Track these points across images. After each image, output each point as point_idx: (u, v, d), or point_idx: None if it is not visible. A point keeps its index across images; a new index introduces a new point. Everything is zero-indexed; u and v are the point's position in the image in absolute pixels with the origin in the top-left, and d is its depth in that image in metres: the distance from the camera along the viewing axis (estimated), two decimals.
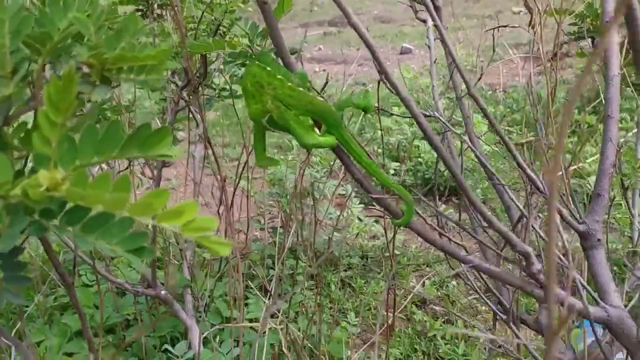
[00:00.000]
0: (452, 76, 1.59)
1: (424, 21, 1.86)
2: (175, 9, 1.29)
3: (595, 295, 0.94)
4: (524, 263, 0.92)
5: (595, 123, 4.17)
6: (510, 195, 0.99)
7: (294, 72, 0.85)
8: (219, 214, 1.73)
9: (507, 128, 4.61)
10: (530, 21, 1.15)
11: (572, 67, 5.72)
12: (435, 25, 0.98)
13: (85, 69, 0.59)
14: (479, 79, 1.33)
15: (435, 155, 3.83)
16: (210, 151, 1.74)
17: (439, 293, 2.75)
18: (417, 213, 1.07)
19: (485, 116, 0.98)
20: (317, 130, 0.89)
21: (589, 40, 1.58)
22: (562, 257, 0.96)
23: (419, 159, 3.93)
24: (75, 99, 0.48)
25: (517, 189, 3.22)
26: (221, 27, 1.81)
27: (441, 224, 1.51)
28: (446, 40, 1.00)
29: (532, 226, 0.99)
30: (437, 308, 2.67)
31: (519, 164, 0.96)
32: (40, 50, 0.53)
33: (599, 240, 1.00)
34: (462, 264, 0.92)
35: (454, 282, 2.80)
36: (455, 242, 1.18)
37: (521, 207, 0.98)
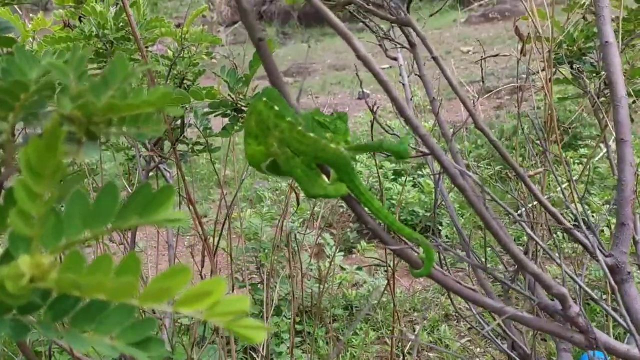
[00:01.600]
0: (438, 116, 1.53)
1: (395, 59, 1.82)
2: (146, 62, 1.20)
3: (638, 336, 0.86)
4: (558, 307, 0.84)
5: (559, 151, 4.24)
6: (527, 230, 0.91)
7: (301, 115, 0.76)
8: (201, 276, 1.60)
9: (473, 163, 4.63)
10: (522, 49, 1.11)
11: (527, 101, 5.86)
12: (434, 58, 0.92)
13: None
14: (465, 120, 1.27)
15: (409, 196, 3.77)
16: (192, 208, 1.63)
17: (431, 338, 2.64)
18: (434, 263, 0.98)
19: (495, 148, 0.91)
20: (324, 177, 0.80)
21: (567, 65, 1.56)
22: (592, 294, 0.88)
23: (392, 201, 3.88)
24: (61, 161, 0.38)
25: (504, 220, 3.17)
26: (185, 81, 1.73)
27: (441, 265, 1.43)
28: (424, 77, 0.94)
29: (555, 261, 0.91)
30: (430, 355, 2.55)
31: (537, 198, 0.88)
32: (11, 105, 0.43)
33: (629, 273, 0.92)
34: (492, 314, 0.83)
35: (444, 326, 2.69)
36: (470, 288, 1.09)
37: (543, 245, 0.90)
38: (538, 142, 1.38)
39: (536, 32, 1.21)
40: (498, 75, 7.09)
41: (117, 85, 0.48)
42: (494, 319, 1.46)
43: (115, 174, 2.26)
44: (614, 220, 1.15)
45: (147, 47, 1.72)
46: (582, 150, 4.13)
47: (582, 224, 0.87)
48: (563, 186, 1.35)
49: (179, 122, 1.60)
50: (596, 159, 3.56)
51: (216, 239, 2.00)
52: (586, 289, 0.82)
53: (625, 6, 1.46)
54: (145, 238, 4.06)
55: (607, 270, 0.82)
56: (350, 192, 0.81)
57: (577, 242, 0.88)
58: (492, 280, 1.74)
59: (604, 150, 3.61)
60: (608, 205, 2.81)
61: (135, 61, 1.40)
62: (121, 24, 1.41)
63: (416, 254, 0.84)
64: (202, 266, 1.39)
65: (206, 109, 1.13)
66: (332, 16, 0.70)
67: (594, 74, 1.47)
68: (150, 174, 2.03)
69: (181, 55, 1.70)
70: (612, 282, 0.82)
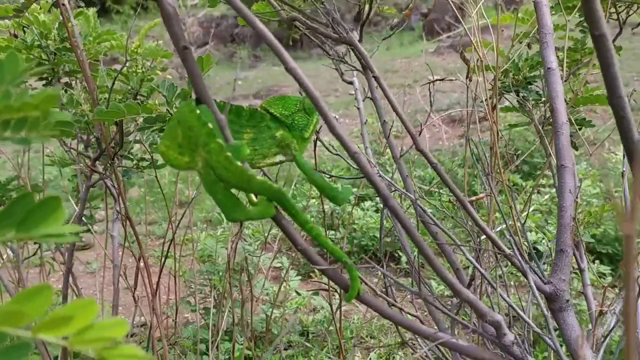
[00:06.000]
0: (388, 139, 1.52)
1: (351, 82, 1.82)
2: (86, 75, 1.16)
3: None
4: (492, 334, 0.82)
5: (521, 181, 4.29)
6: (468, 257, 0.89)
7: (233, 145, 0.72)
8: (134, 299, 1.53)
9: (437, 190, 4.64)
10: (467, 74, 1.11)
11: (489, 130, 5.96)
12: (375, 78, 0.90)
13: None
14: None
15: (370, 221, 3.76)
16: (131, 229, 1.57)
17: None
18: (369, 285, 0.96)
19: (436, 172, 0.89)
20: (252, 196, 0.77)
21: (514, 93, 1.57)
22: (531, 323, 0.86)
23: (354, 226, 3.86)
24: None
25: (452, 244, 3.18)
26: (139, 96, 1.69)
27: (386, 291, 1.40)
28: (390, 96, 0.92)
29: (492, 288, 0.89)
30: None
31: (478, 225, 0.87)
32: None
33: (567, 301, 0.91)
34: (422, 340, 0.80)
35: (401, 353, 2.66)
36: (410, 314, 1.06)
37: (483, 271, 0.88)
38: (486, 169, 1.38)
39: (480, 61, 1.22)
40: (463, 105, 7.21)
41: (4, 86, 0.45)
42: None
43: (63, 190, 2.18)
44: None
45: (97, 60, 1.68)
46: (541, 181, 4.19)
47: (517, 251, 0.86)
48: (508, 213, 1.34)
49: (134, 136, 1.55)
50: (554, 190, 3.61)
51: (169, 260, 1.94)
52: (522, 315, 0.80)
53: (571, 36, 1.48)
54: (101, 258, 3.93)
55: (539, 299, 0.80)
56: (285, 211, 0.78)
57: (519, 270, 0.86)
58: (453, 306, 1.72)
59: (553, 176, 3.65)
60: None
61: (78, 73, 1.35)
62: (66, 35, 1.36)
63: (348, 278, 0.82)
64: (135, 288, 1.33)
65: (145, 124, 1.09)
66: (265, 31, 0.67)
67: (540, 102, 1.49)
68: (99, 190, 1.96)
69: (134, 70, 1.66)
70: (545, 311, 0.81)
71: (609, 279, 2.91)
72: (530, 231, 3.13)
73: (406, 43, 12.37)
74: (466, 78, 1.14)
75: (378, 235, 3.76)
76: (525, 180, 4.35)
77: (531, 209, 3.49)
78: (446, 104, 7.59)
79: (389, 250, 3.54)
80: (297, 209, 0.77)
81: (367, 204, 4.10)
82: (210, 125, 0.70)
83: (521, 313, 0.83)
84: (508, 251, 0.89)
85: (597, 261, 3.15)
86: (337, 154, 1.04)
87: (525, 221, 0.99)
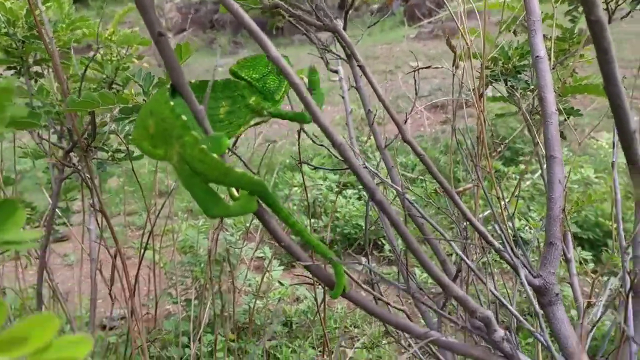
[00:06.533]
0: (372, 127, 1.48)
1: (335, 71, 1.78)
2: (55, 64, 1.10)
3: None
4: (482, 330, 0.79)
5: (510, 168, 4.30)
6: (457, 251, 0.87)
7: (213, 137, 0.68)
8: (111, 297, 1.48)
9: (420, 177, 4.65)
10: (454, 62, 1.08)
11: (473, 117, 5.97)
12: (360, 67, 0.87)
13: None
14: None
15: (353, 209, 3.74)
16: (104, 219, 1.52)
17: (371, 356, 2.59)
18: (354, 280, 0.93)
19: (423, 163, 0.86)
20: (234, 190, 0.73)
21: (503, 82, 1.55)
22: (521, 318, 0.84)
23: (336, 214, 3.83)
24: None
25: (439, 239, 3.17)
26: (115, 85, 1.63)
27: (372, 285, 1.37)
28: (375, 86, 0.89)
29: (483, 283, 0.87)
30: None
31: (466, 216, 0.84)
32: None
33: (557, 294, 0.89)
34: (410, 337, 0.78)
35: (384, 342, 2.65)
36: (396, 308, 1.03)
37: (473, 266, 0.85)
38: (474, 156, 1.36)
39: (468, 48, 1.19)
40: (445, 91, 7.21)
41: None
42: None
43: (37, 183, 2.12)
44: None
45: (69, 48, 1.61)
46: (522, 167, 4.21)
47: (507, 245, 0.83)
48: (496, 203, 1.32)
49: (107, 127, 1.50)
50: (536, 175, 3.63)
51: (148, 252, 1.89)
52: (514, 312, 0.78)
53: (560, 25, 1.46)
54: (79, 251, 3.86)
55: (531, 295, 0.78)
56: (268, 208, 0.75)
57: (508, 264, 0.84)
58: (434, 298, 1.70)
59: (540, 165, 3.67)
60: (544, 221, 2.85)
61: (47, 61, 1.29)
62: (34, 21, 1.30)
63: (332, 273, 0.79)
64: (112, 284, 1.29)
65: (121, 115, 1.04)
66: (246, 18, 0.63)
67: (528, 91, 1.47)
68: (76, 182, 1.90)
69: (108, 58, 1.60)
70: (537, 308, 0.79)
71: (591, 265, 2.93)
72: (508, 216, 3.13)
73: (387, 29, 12.31)
74: (452, 65, 1.11)
75: (361, 224, 3.74)
76: (507, 166, 4.36)
77: (513, 194, 3.49)
78: (428, 90, 7.57)
79: (373, 238, 3.53)
80: (279, 203, 0.74)
81: (350, 192, 4.08)
82: (184, 117, 0.66)
83: (511, 308, 0.81)
84: (498, 245, 0.87)
85: (578, 247, 3.17)
86: (321, 145, 1.00)
87: (514, 214, 0.97)
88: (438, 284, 0.73)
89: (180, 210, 4.29)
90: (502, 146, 1.30)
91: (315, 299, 1.62)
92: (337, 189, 4.08)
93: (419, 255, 0.70)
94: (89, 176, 1.71)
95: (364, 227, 3.65)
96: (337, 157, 1.34)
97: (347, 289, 0.78)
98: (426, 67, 1.15)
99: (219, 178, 0.68)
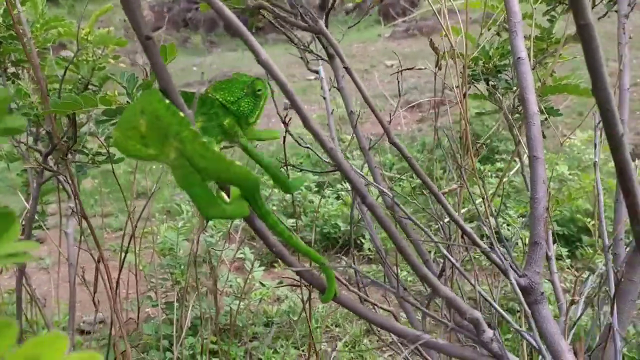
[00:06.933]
0: (356, 129, 1.49)
1: (316, 72, 1.77)
2: (34, 65, 1.08)
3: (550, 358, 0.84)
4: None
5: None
6: (444, 251, 0.88)
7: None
8: (94, 304, 1.46)
9: (397, 175, 4.67)
10: (437, 63, 1.08)
11: (451, 115, 6.02)
12: (346, 69, 0.87)
13: None
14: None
15: (331, 209, 3.74)
16: (86, 223, 1.50)
17: (352, 354, 2.59)
18: (343, 283, 0.93)
19: (410, 165, 0.87)
20: (223, 194, 0.72)
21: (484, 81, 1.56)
22: (508, 317, 0.86)
23: (315, 214, 3.83)
24: None
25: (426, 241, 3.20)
26: (90, 86, 1.60)
27: (357, 285, 1.38)
28: (358, 82, 0.89)
29: (470, 283, 0.88)
30: None
31: (453, 218, 0.85)
32: None
33: (542, 293, 0.90)
34: (400, 340, 0.78)
35: (366, 341, 2.66)
36: (383, 309, 1.04)
37: (458, 265, 0.86)
38: (458, 155, 1.37)
39: (452, 48, 1.20)
40: (421, 90, 7.26)
41: None
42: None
43: (12, 185, 2.07)
44: (528, 234, 1.15)
45: (45, 48, 1.58)
46: (498, 164, 4.26)
47: (495, 244, 0.84)
48: (478, 202, 1.34)
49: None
50: (511, 172, 3.67)
51: (127, 254, 1.87)
52: (501, 312, 0.79)
53: (539, 25, 1.48)
54: (54, 253, 3.79)
55: (519, 294, 0.79)
56: (255, 213, 0.74)
57: (494, 263, 0.85)
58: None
59: (518, 164, 3.72)
60: (522, 219, 2.89)
61: (25, 62, 1.26)
62: (12, 21, 1.27)
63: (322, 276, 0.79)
64: (95, 291, 1.27)
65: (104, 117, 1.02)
66: (235, 20, 0.63)
67: (509, 90, 1.48)
68: (52, 185, 1.86)
69: (85, 59, 1.57)
70: (527, 307, 0.80)
71: (568, 261, 2.98)
72: (492, 216, 3.17)
73: (362, 28, 12.34)
74: (435, 66, 1.12)
75: (339, 223, 3.75)
76: (484, 164, 4.41)
77: (490, 192, 3.54)
78: (404, 88, 7.61)
79: (352, 237, 3.54)
80: (267, 208, 0.73)
81: (328, 191, 4.08)
82: (181, 113, 0.66)
83: (500, 310, 0.82)
84: (485, 246, 0.88)
85: (555, 244, 3.23)
86: (307, 147, 1.00)
87: (498, 213, 0.98)
88: (428, 285, 0.74)
89: (158, 212, 4.24)
90: (484, 146, 1.31)
91: (302, 300, 1.62)
92: (315, 189, 4.09)
93: (409, 258, 0.70)
94: (68, 180, 1.68)
95: (348, 229, 3.66)
96: (319, 158, 1.34)
97: (337, 294, 0.78)
98: (409, 69, 1.16)
99: (220, 173, 0.67)
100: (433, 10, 1.15)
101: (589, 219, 2.78)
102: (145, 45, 0.62)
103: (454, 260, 0.87)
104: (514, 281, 0.81)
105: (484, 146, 1.29)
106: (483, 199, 1.06)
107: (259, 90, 0.77)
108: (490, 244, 0.88)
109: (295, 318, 2.70)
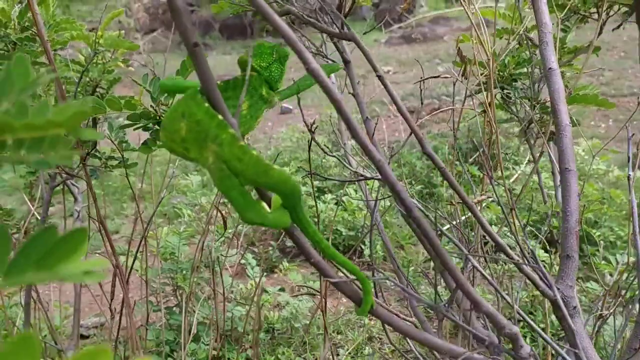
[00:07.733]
0: (372, 138, 1.48)
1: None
2: (54, 67, 1.06)
3: None
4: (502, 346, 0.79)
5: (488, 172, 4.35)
6: (479, 269, 0.86)
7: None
8: (110, 310, 1.44)
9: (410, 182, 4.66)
10: (464, 72, 1.08)
11: (445, 122, 6.03)
12: (379, 77, 0.86)
13: None
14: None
15: (332, 215, 3.72)
16: (102, 228, 1.47)
17: None
18: (381, 305, 0.91)
19: (443, 176, 0.85)
20: (265, 205, 0.70)
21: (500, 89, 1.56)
22: (545, 335, 0.84)
23: (314, 219, 3.81)
24: None
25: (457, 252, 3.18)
26: (99, 89, 1.58)
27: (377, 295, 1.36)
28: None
29: (504, 299, 0.87)
30: None
31: (487, 232, 0.84)
32: None
33: (574, 307, 0.89)
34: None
35: (368, 348, 2.64)
36: (408, 321, 1.03)
37: (490, 278, 0.85)
38: (488, 166, 1.35)
39: (474, 57, 1.19)
40: (418, 96, 7.28)
41: (15, 96, 0.37)
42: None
43: (13, 186, 2.04)
44: (533, 243, 1.13)
45: (55, 50, 1.56)
46: (498, 173, 4.27)
47: (539, 270, 0.83)
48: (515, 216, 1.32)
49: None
50: (512, 180, 3.68)
51: (130, 259, 1.84)
52: (542, 333, 0.77)
53: (554, 35, 1.48)
54: None
55: (564, 309, 0.78)
56: (296, 225, 0.72)
57: (527, 277, 0.84)
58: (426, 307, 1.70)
59: (518, 172, 3.71)
60: (528, 228, 2.88)
61: (40, 65, 1.24)
62: (27, 23, 1.25)
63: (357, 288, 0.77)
64: (112, 298, 1.24)
65: (125, 122, 1.00)
66: (283, 26, 0.61)
67: (526, 99, 1.48)
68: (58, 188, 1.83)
69: (94, 61, 1.55)
70: (572, 324, 0.78)
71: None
72: (491, 224, 3.17)
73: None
74: (461, 75, 1.11)
75: (340, 229, 3.73)
76: (483, 172, 4.41)
77: (490, 200, 3.54)
78: (401, 95, 7.64)
79: (354, 245, 3.53)
80: (307, 217, 0.72)
81: (328, 197, 4.06)
82: (220, 117, 0.65)
83: (541, 332, 0.80)
84: (517, 258, 0.87)
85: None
86: (333, 155, 0.99)
87: (526, 226, 0.97)
88: (470, 300, 0.72)
89: (155, 215, 4.20)
90: (499, 154, 1.31)
91: (321, 309, 1.60)
92: (316, 194, 4.06)
93: (455, 274, 0.69)
94: (73, 183, 1.66)
95: (349, 234, 3.65)
96: (319, 163, 1.32)
97: (374, 306, 0.76)
98: (436, 77, 1.15)
99: (258, 177, 0.65)
100: (469, 18, 1.14)
101: (594, 231, 2.78)
102: (193, 52, 0.60)
103: (487, 275, 0.86)
104: (559, 297, 0.79)
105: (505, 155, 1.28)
106: (512, 210, 1.05)
107: (283, 56, 0.81)
108: (524, 258, 0.87)
109: (297, 325, 2.69)
